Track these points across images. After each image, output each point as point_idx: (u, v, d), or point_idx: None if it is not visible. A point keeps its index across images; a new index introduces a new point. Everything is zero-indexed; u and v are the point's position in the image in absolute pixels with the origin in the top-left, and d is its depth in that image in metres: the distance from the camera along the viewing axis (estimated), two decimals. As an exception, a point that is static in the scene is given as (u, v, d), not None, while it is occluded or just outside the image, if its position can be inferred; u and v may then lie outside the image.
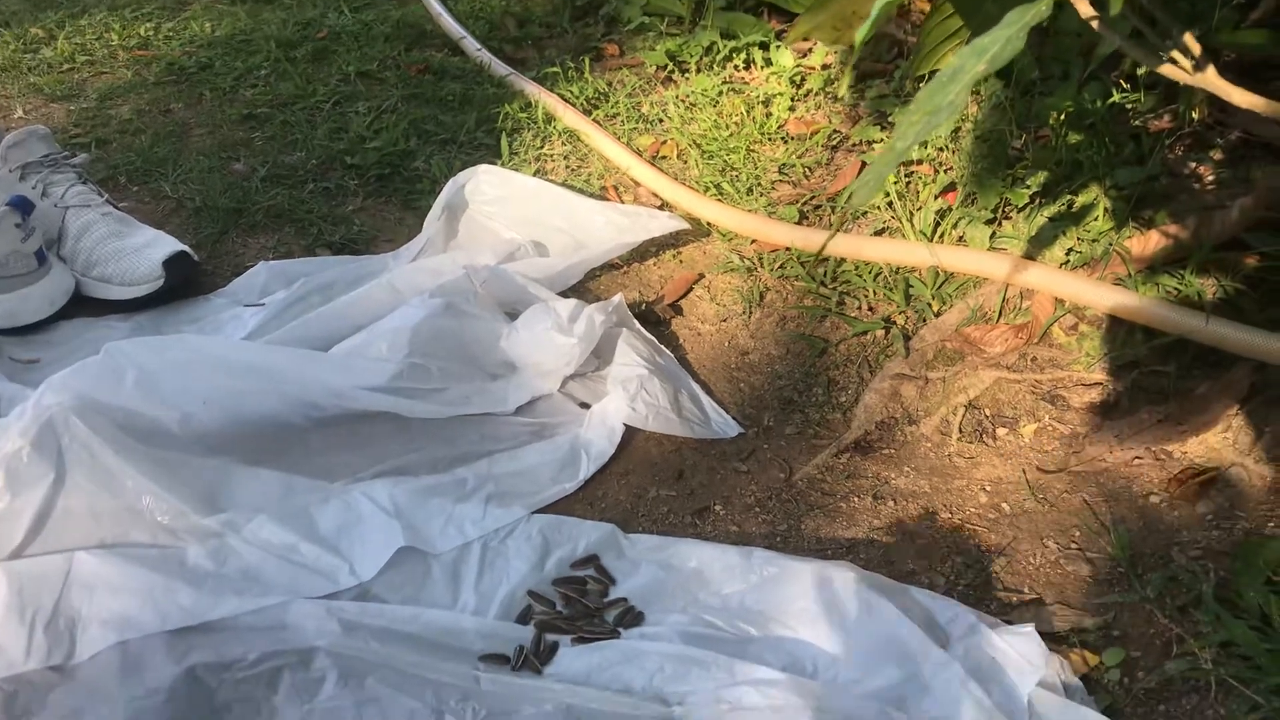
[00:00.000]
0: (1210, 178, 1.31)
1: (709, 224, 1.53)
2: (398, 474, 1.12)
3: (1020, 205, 1.33)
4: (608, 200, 1.58)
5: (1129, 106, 1.39)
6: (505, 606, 0.99)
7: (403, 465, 1.14)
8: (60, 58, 2.11)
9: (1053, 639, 0.92)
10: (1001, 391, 1.21)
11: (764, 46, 1.87)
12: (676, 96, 1.80)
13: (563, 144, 1.74)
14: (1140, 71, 1.36)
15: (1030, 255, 1.28)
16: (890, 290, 1.34)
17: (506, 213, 1.53)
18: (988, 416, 1.20)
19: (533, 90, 1.84)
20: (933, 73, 0.79)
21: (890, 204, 1.44)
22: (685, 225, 1.46)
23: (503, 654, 0.93)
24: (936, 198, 1.41)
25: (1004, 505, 1.09)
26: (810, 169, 1.60)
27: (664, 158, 1.69)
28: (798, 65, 1.79)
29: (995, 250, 1.31)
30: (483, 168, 1.54)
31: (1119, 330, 1.20)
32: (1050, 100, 1.36)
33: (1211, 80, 0.62)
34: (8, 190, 1.44)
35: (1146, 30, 0.65)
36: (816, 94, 1.74)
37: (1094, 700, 0.87)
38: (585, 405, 1.24)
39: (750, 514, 1.11)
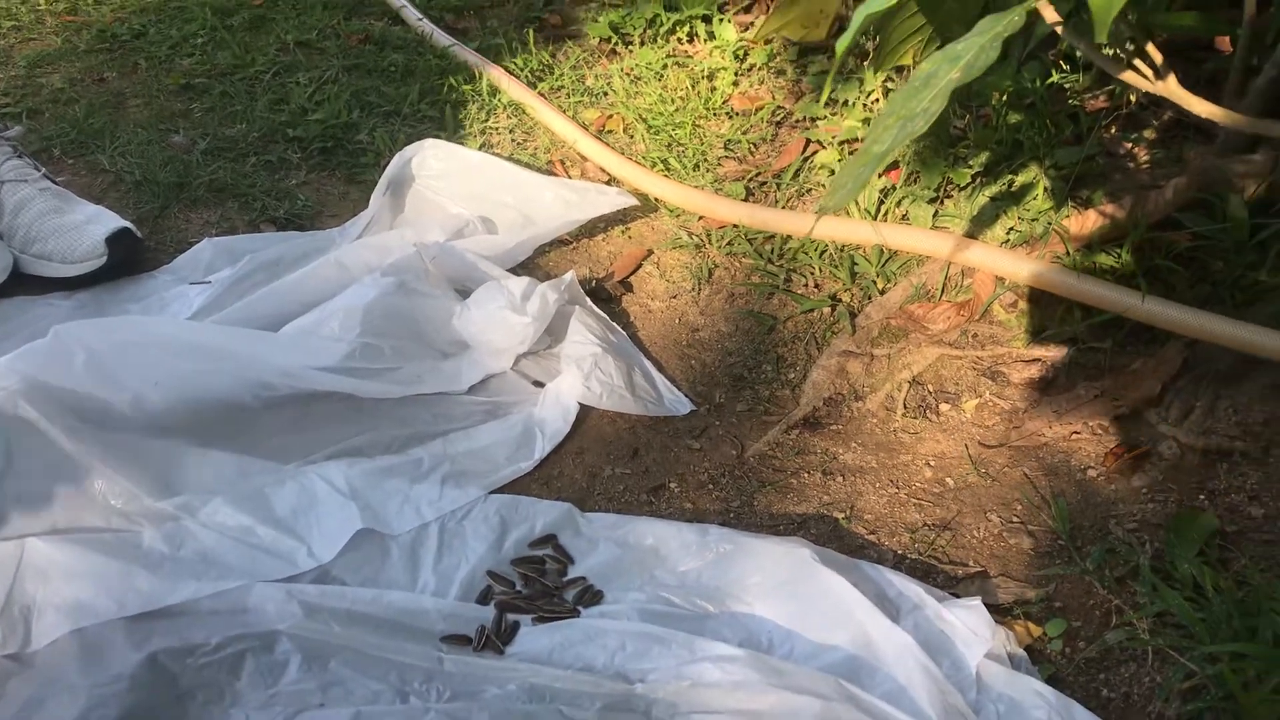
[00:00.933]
0: (1145, 157, 1.35)
1: (657, 200, 1.54)
2: (352, 455, 1.13)
3: (962, 184, 1.36)
4: (555, 175, 1.58)
5: (1067, 86, 1.42)
6: (465, 587, 1.00)
7: (357, 446, 1.14)
8: (-16, 22, 2.05)
9: (997, 611, 0.96)
10: (944, 368, 1.24)
11: (707, 20, 1.87)
12: (621, 69, 1.80)
13: (508, 117, 1.73)
14: (1079, 53, 1.39)
15: (972, 234, 1.31)
16: (836, 268, 1.37)
17: (453, 188, 1.52)
18: (931, 392, 1.23)
19: (476, 62, 1.83)
20: (899, 69, 0.81)
21: (835, 181, 1.46)
22: (634, 201, 1.47)
23: (464, 634, 0.94)
24: (880, 176, 1.43)
25: (948, 480, 1.12)
26: (755, 145, 1.61)
27: (610, 132, 1.69)
28: (741, 39, 1.80)
29: (938, 229, 1.34)
30: (428, 142, 1.53)
31: (1057, 308, 1.23)
32: (991, 80, 1.39)
33: (1173, 90, 0.65)
34: (-61, 165, 1.40)
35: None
36: (760, 69, 1.75)
37: (1038, 670, 0.90)
38: (539, 384, 1.25)
39: (704, 491, 1.13)
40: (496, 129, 1.71)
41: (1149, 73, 0.65)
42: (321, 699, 0.88)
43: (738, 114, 1.67)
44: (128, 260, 1.39)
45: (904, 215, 1.38)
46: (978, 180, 1.36)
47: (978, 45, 0.54)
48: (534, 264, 1.45)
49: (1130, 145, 1.35)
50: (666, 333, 1.35)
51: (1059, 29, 0.67)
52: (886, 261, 1.35)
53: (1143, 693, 0.88)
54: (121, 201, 1.54)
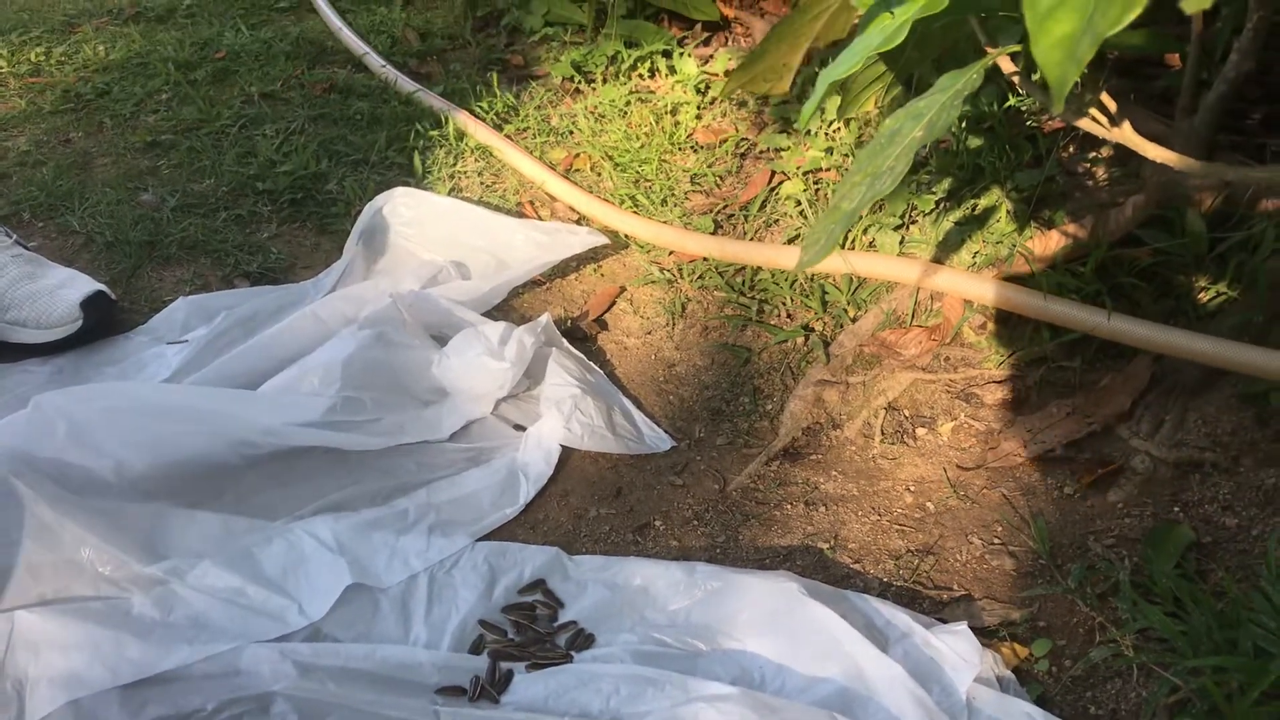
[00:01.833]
0: (1103, 175, 1.38)
1: (627, 236, 1.55)
2: (338, 509, 1.13)
3: (927, 210, 1.38)
4: (525, 217, 1.60)
5: (1023, 109, 1.45)
6: (457, 637, 1.01)
7: (342, 500, 1.15)
8: (-54, 87, 2.05)
9: (983, 633, 0.98)
10: (919, 392, 1.26)
11: (667, 54, 1.90)
12: (585, 108, 1.82)
13: (476, 160, 1.75)
14: (1035, 76, 1.42)
15: (938, 259, 1.34)
16: (807, 297, 1.39)
17: (425, 234, 1.53)
18: (907, 417, 1.25)
19: (442, 107, 1.84)
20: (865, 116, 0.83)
21: (802, 212, 1.49)
22: (604, 240, 1.49)
23: (459, 686, 0.95)
24: (846, 204, 1.45)
25: (928, 504, 1.14)
26: (721, 178, 1.63)
27: (577, 170, 1.71)
28: (702, 73, 1.82)
29: (905, 255, 1.36)
30: (399, 190, 1.54)
31: (1025, 329, 1.25)
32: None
33: (1128, 136, 0.67)
34: (-91, 235, 1.40)
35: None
36: (722, 102, 1.77)
37: (1026, 691, 0.92)
38: (519, 427, 1.26)
39: (689, 527, 1.14)
40: (465, 173, 1.73)
41: (1104, 120, 0.67)
42: (320, 759, 0.88)
43: (702, 147, 1.69)
44: (103, 323, 1.39)
45: (871, 243, 1.40)
46: (941, 205, 1.38)
47: (939, 103, 0.56)
48: (509, 306, 1.47)
49: (1088, 165, 1.38)
50: (643, 369, 1.36)
51: (1015, 79, 0.69)
52: (856, 289, 1.37)
53: (1129, 709, 0.90)
54: (94, 263, 1.54)
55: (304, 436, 1.15)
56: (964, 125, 1.41)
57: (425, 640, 1.01)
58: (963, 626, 0.95)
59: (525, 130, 1.82)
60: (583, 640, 1.00)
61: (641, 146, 1.70)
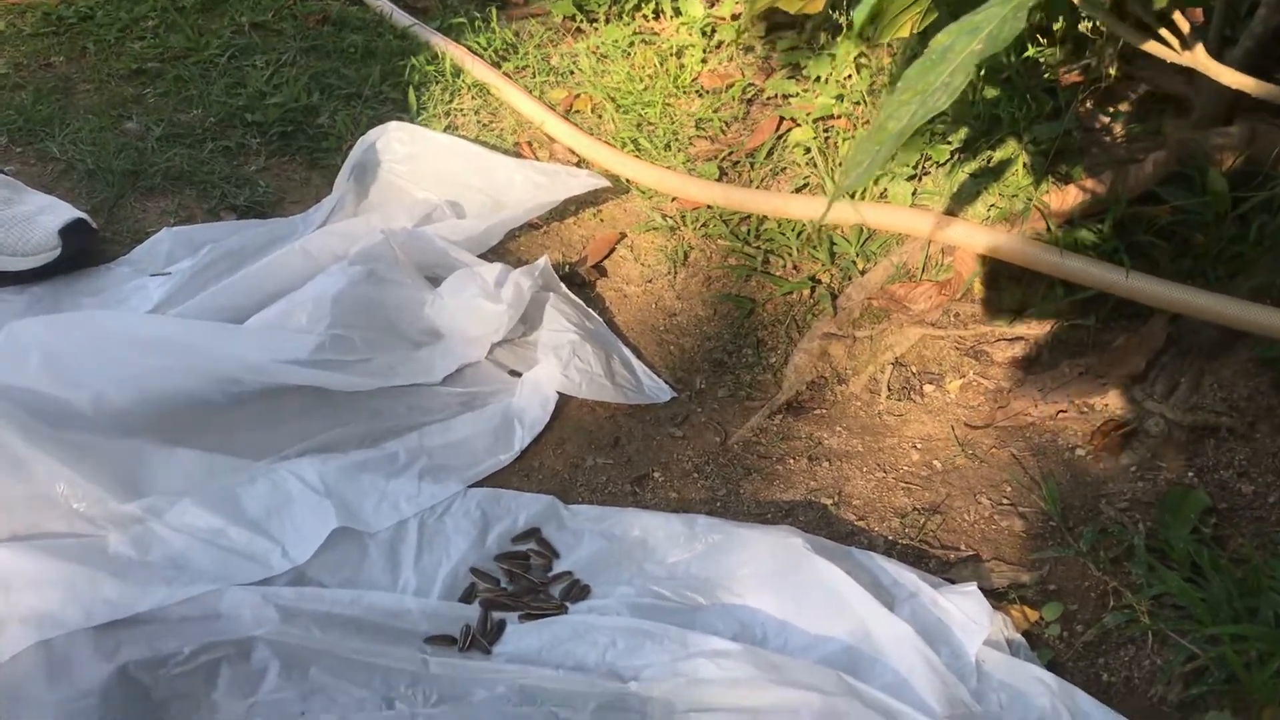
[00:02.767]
0: (1122, 131, 1.34)
1: (628, 181, 1.50)
2: (325, 450, 1.09)
3: (941, 161, 1.34)
4: (523, 157, 1.55)
5: (1042, 60, 1.40)
6: (448, 585, 0.97)
7: (329, 441, 1.11)
8: (-77, 6, 1.97)
9: (993, 595, 0.94)
10: (927, 348, 1.23)
11: (673, -5, 1.84)
12: (587, 48, 1.76)
13: (473, 98, 1.69)
14: (1057, 27, 1.37)
15: (952, 211, 1.30)
16: (815, 248, 1.34)
17: (420, 171, 1.48)
18: (915, 373, 1.21)
19: (439, 42, 1.78)
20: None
21: (811, 160, 1.44)
22: (605, 183, 1.44)
23: (449, 635, 0.91)
24: (856, 153, 1.41)
25: (935, 462, 1.11)
26: (727, 124, 1.58)
27: (578, 112, 1.66)
28: (708, 15, 1.77)
29: (918, 207, 1.32)
30: (393, 125, 1.49)
31: (1039, 285, 1.22)
32: (967, 54, 1.36)
33: (1200, 60, 0.63)
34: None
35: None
36: (728, 45, 1.72)
37: (1036, 656, 0.89)
38: (515, 373, 1.22)
39: (689, 480, 1.10)
40: (461, 110, 1.67)
41: (1175, 42, 0.63)
42: (303, 707, 0.85)
43: (708, 92, 1.64)
44: (83, 252, 1.34)
45: (883, 193, 1.36)
46: (956, 157, 1.34)
47: (999, 16, 0.51)
48: (505, 249, 1.42)
49: (1107, 119, 1.34)
50: (643, 318, 1.32)
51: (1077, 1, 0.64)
52: (866, 241, 1.33)
53: (1144, 676, 0.87)
54: (74, 191, 1.48)
55: (291, 375, 1.11)
56: (981, 74, 1.36)
57: (414, 588, 0.97)
58: (972, 587, 0.91)
59: (524, 69, 1.76)
60: (578, 591, 0.96)
61: (645, 89, 1.65)
